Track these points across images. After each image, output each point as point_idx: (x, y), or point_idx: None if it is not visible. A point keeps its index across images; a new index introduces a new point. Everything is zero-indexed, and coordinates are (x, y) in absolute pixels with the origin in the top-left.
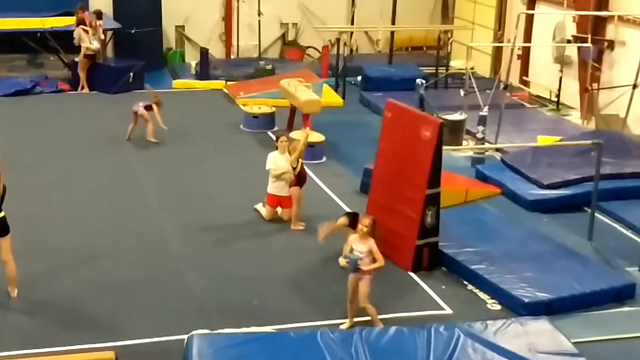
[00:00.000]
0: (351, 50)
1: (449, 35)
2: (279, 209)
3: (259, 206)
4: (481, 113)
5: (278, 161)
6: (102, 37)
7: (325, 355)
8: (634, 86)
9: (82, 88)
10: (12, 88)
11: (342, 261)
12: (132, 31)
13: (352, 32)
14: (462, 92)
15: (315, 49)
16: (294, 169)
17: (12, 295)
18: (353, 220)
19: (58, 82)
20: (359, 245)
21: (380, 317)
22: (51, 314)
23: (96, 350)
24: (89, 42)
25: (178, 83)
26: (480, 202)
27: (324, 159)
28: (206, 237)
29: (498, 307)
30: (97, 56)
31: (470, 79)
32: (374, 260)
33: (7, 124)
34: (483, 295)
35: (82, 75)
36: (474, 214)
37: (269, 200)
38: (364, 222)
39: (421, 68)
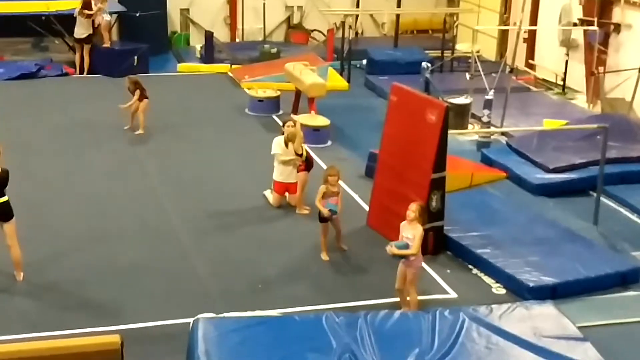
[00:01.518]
0: (356, 34)
1: (455, 19)
2: (286, 195)
3: (267, 192)
4: (487, 97)
5: (284, 146)
6: (99, 22)
7: (330, 339)
8: None
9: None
10: (17, 71)
11: (389, 249)
12: (137, 14)
13: (357, 15)
14: (467, 76)
15: (320, 32)
16: (300, 155)
17: (18, 279)
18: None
19: (63, 66)
20: (407, 231)
21: (385, 300)
22: (57, 298)
23: (102, 334)
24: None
25: (183, 67)
26: (486, 186)
27: (329, 142)
28: (211, 221)
29: (503, 291)
30: (97, 39)
31: (476, 62)
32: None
33: (12, 107)
34: (488, 280)
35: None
36: (480, 198)
37: (276, 188)
38: (410, 208)
39: (427, 51)
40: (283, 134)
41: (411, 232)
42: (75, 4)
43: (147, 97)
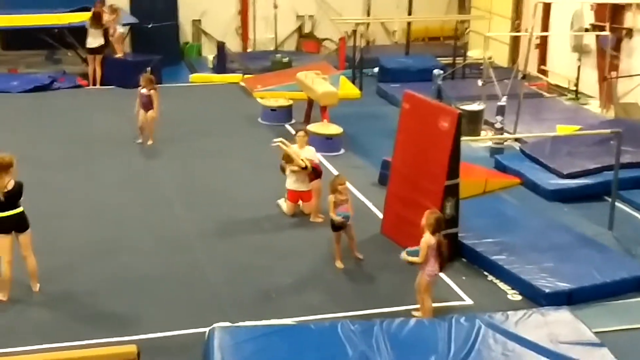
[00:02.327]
0: (368, 42)
1: (466, 25)
2: (300, 203)
3: (281, 201)
4: (499, 103)
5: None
6: (111, 33)
7: (346, 347)
8: None
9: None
10: (31, 84)
11: (402, 255)
12: (149, 26)
13: (368, 24)
14: (480, 82)
15: (331, 40)
16: (305, 168)
17: (34, 289)
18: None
19: (76, 78)
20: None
21: (400, 308)
22: (72, 309)
23: (118, 344)
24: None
25: (195, 77)
26: (500, 193)
27: (342, 151)
28: (224, 230)
29: (519, 297)
30: (109, 51)
31: (488, 68)
32: (434, 255)
33: (26, 120)
34: (503, 286)
35: (98, 70)
36: (494, 204)
37: (289, 196)
38: (424, 215)
39: (438, 58)
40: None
41: (422, 240)
42: (87, 16)
43: (156, 99)
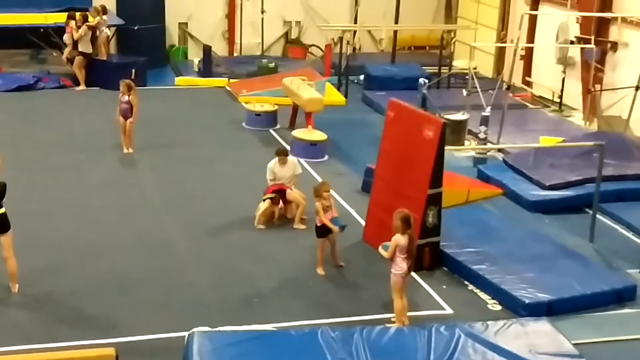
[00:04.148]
0: (354, 49)
1: (452, 35)
2: (280, 206)
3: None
4: (483, 113)
5: (277, 171)
6: (98, 34)
7: (325, 354)
8: (637, 88)
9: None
10: (15, 83)
11: (380, 248)
12: (135, 27)
13: (355, 31)
14: (464, 92)
15: (318, 47)
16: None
17: (13, 290)
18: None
19: (61, 78)
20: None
21: (381, 315)
22: (52, 310)
23: (97, 347)
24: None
25: (180, 80)
26: (482, 203)
27: (326, 157)
28: (208, 234)
29: (499, 307)
30: (95, 54)
31: (473, 79)
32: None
33: (9, 119)
34: (484, 296)
35: (81, 73)
36: (476, 214)
37: (270, 190)
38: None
39: (424, 67)
40: (279, 159)
41: (392, 238)
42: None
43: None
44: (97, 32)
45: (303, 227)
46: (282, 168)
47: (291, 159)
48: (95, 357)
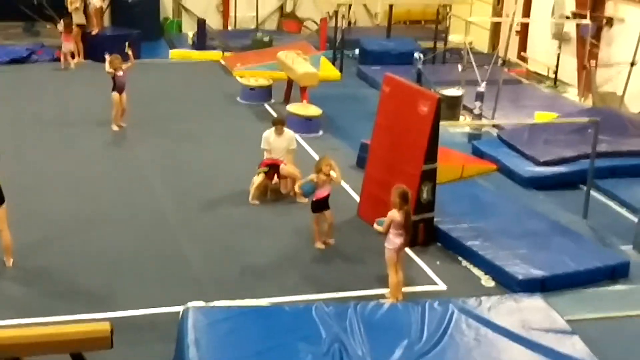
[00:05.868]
0: (349, 23)
1: (448, 10)
2: (275, 181)
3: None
4: (479, 89)
5: (272, 141)
6: (97, 5)
7: (319, 329)
8: (632, 64)
9: (73, 58)
10: (8, 56)
11: (375, 225)
12: (129, 0)
13: (350, 5)
14: (459, 67)
15: (313, 21)
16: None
17: (7, 264)
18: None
19: (55, 51)
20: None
21: (376, 291)
22: (46, 284)
23: (91, 321)
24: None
25: (175, 53)
26: (477, 178)
27: (321, 132)
28: (202, 209)
29: (492, 283)
30: (87, 26)
31: (468, 54)
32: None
33: (2, 92)
34: (477, 272)
35: (79, 45)
36: (470, 190)
37: (264, 164)
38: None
39: (419, 42)
40: (275, 128)
41: (388, 213)
42: None
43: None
44: (87, 2)
45: (305, 200)
46: (277, 138)
47: (288, 131)
48: (90, 331)
